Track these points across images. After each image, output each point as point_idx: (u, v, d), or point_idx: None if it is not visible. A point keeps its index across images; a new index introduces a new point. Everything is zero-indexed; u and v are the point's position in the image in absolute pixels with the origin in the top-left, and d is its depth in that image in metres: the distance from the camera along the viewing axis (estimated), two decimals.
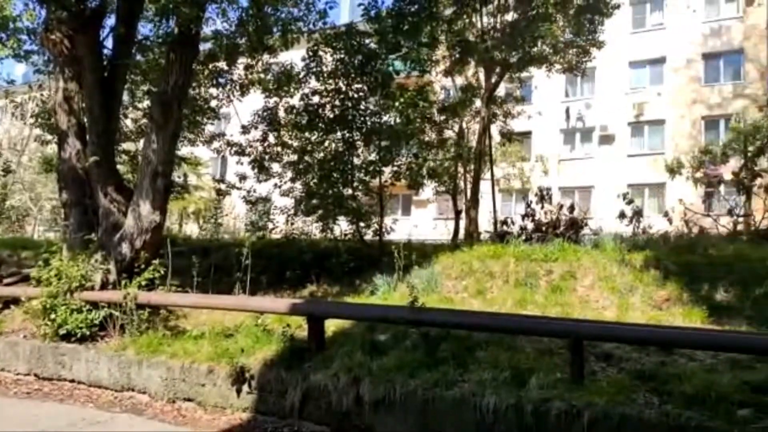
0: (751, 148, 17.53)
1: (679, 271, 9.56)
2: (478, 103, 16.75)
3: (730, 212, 13.54)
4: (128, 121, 17.01)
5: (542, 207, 14.80)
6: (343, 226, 13.09)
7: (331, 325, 8.16)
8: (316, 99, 13.26)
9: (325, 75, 13.07)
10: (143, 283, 9.25)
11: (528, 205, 15.24)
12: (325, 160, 13.03)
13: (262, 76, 14.23)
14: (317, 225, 13.18)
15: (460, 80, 17.45)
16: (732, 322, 7.99)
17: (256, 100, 14.62)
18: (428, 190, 19.22)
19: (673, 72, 26.76)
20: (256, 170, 14.03)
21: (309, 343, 7.46)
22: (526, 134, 27.75)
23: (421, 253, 12.23)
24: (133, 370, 8.21)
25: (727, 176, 15.39)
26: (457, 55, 15.36)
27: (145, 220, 9.92)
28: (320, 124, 13.10)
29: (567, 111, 28.62)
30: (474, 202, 16.61)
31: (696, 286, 9.15)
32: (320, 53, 13.07)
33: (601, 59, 24.29)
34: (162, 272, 9.45)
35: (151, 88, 13.99)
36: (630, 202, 14.24)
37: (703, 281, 9.25)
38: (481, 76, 16.48)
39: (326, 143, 13.38)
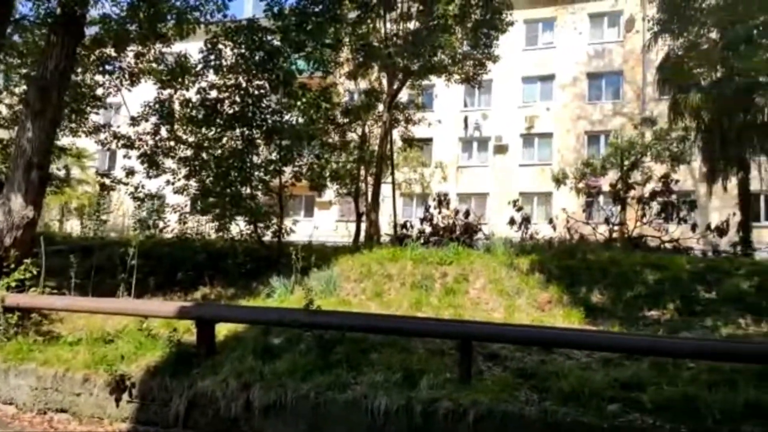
0: (626, 163, 19.19)
1: (560, 275, 10.22)
2: (380, 107, 16.95)
3: (606, 221, 14.68)
4: (2, 107, 15.45)
5: (440, 212, 15.29)
6: (240, 227, 12.68)
7: (223, 329, 7.86)
8: (214, 93, 12.74)
9: (225, 69, 12.61)
10: (12, 284, 8.42)
11: (427, 210, 15.68)
12: (223, 158, 12.55)
13: (154, 65, 13.44)
14: (213, 225, 12.66)
15: (363, 84, 17.58)
16: (606, 323, 8.65)
17: (148, 90, 13.79)
18: (331, 192, 19.19)
19: (561, 89, 28.71)
20: (146, 165, 13.23)
21: (198, 348, 7.12)
22: (427, 141, 28.51)
23: (322, 255, 12.15)
24: None
25: (606, 187, 16.71)
26: (361, 59, 15.46)
27: (17, 216, 9.04)
28: (218, 120, 12.60)
29: (465, 120, 29.76)
30: (375, 205, 16.77)
31: (575, 289, 9.82)
32: (220, 46, 12.60)
33: (497, 73, 25.54)
34: (35, 272, 8.65)
35: (28, 71, 12.79)
36: (519, 209, 15.06)
37: (582, 284, 9.95)
38: (384, 81, 16.71)
39: (224, 140, 12.89)
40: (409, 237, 14.37)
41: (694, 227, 13.70)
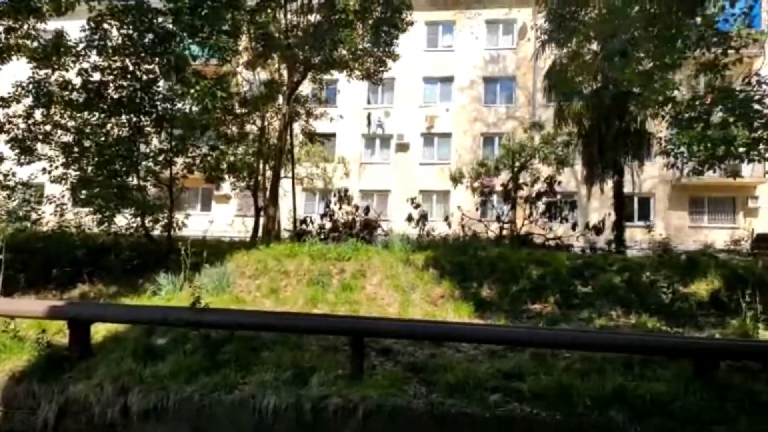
0: (517, 164, 20.22)
1: (453, 271, 10.56)
2: (281, 99, 16.59)
3: (498, 219, 15.39)
4: None
5: (340, 208, 15.28)
6: (127, 220, 11.89)
7: (102, 330, 7.33)
8: (97, 76, 11.84)
9: (111, 51, 11.74)
10: None
11: (327, 206, 15.60)
12: (107, 145, 11.68)
13: (28, 43, 12.21)
14: (95, 217, 11.75)
15: (264, 75, 17.12)
16: (493, 316, 9.05)
17: (22, 69, 12.52)
18: (229, 185, 18.53)
19: (459, 91, 29.70)
20: (17, 151, 12.02)
21: (70, 350, 6.58)
22: (330, 136, 28.36)
23: (216, 250, 11.69)
24: None
25: (499, 187, 17.51)
26: (260, 49, 15.01)
27: None
28: (102, 105, 11.71)
29: (369, 117, 29.95)
30: (274, 199, 16.41)
31: (466, 284, 10.19)
32: (105, 26, 11.72)
33: (399, 71, 25.91)
34: None
35: None
36: (417, 206, 15.39)
37: (473, 279, 10.34)
38: (285, 72, 16.37)
39: (109, 126, 12.02)
40: (309, 233, 14.23)
41: (574, 226, 14.72)
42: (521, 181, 18.10)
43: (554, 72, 17.84)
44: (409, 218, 14.88)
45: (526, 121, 25.85)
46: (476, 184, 18.21)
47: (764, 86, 9.53)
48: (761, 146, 9.45)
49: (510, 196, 16.17)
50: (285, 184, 18.46)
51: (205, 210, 29.42)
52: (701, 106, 9.52)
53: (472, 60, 29.53)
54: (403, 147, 29.65)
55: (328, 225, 14.79)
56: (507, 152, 20.87)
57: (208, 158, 13.50)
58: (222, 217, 26.75)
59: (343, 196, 15.36)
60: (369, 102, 30.36)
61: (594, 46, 16.15)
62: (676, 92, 10.33)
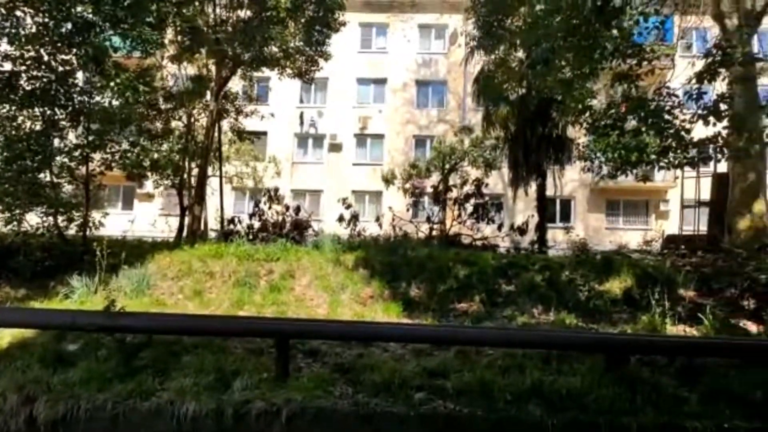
0: (447, 166, 20.65)
1: (383, 271, 10.62)
2: (209, 95, 16.11)
3: (428, 219, 15.64)
4: None
5: (270, 207, 15.02)
6: (39, 219, 11.16)
7: (7, 336, 6.85)
8: (8, 66, 11.06)
9: (23, 39, 10.98)
10: None
11: (257, 205, 15.29)
12: (17, 139, 10.92)
13: None
14: (3, 216, 10.95)
15: (191, 70, 16.57)
16: (421, 316, 9.16)
17: None
18: (153, 183, 17.79)
19: (392, 93, 29.99)
20: None
21: None
22: (262, 134, 27.86)
23: (137, 251, 11.21)
24: None
25: (429, 189, 17.79)
26: (187, 42, 14.50)
27: None
28: (13, 97, 10.94)
29: (301, 116, 29.65)
30: (200, 198, 15.90)
31: (396, 284, 10.27)
32: (18, 13, 10.97)
33: (333, 71, 25.82)
34: None
35: None
36: (348, 206, 15.39)
37: (402, 279, 10.44)
38: (213, 68, 15.91)
39: (20, 120, 11.26)
40: (237, 233, 13.90)
41: (500, 227, 15.17)
42: (451, 183, 18.50)
43: (482, 77, 18.33)
44: (341, 218, 14.85)
45: (457, 124, 26.45)
46: (408, 186, 18.42)
47: (674, 98, 10.19)
48: (671, 154, 10.11)
49: (440, 198, 16.46)
50: (213, 183, 17.95)
51: (126, 209, 28.15)
52: (616, 115, 10.06)
53: (405, 63, 29.90)
54: (336, 147, 29.56)
55: (257, 225, 14.51)
56: (438, 154, 21.27)
57: (129, 155, 12.90)
58: (145, 216, 25.63)
59: (274, 196, 15.12)
60: (302, 101, 30.08)
61: (519, 54, 16.73)
62: (594, 101, 10.87)
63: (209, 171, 16.95)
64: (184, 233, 15.52)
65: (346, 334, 6.58)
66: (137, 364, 6.06)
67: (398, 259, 11.09)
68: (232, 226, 14.94)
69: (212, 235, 16.00)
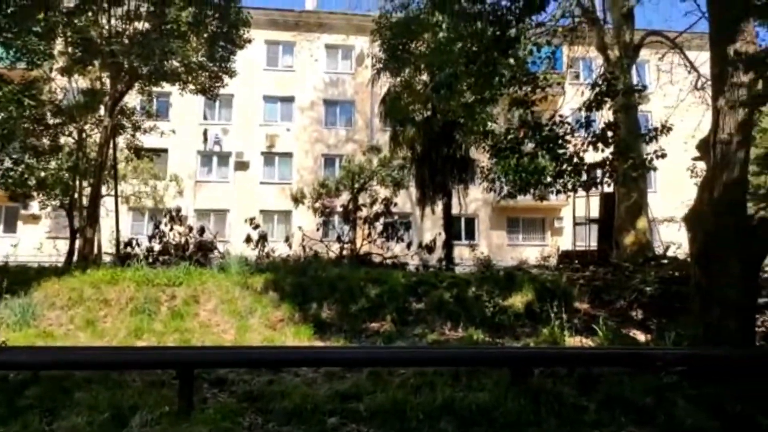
0: (356, 185, 20.78)
1: (293, 292, 10.43)
2: (102, 110, 15.17)
3: (338, 239, 15.60)
4: None
5: (172, 228, 14.30)
6: None
7: None
8: None
9: None
10: None
11: (156, 226, 14.49)
12: None
13: None
14: None
15: (84, 83, 15.55)
16: (333, 337, 9.08)
17: None
18: (39, 203, 16.39)
19: (300, 111, 29.81)
20: None
21: None
22: (162, 151, 26.64)
23: (21, 278, 10.29)
24: None
25: (339, 208, 17.78)
26: (79, 54, 13.62)
27: None
28: None
29: (205, 133, 28.67)
30: (93, 220, 14.83)
31: (307, 306, 10.12)
32: None
33: (238, 88, 25.27)
34: None
35: None
36: (256, 227, 15.01)
37: (313, 301, 10.30)
38: (108, 82, 15.03)
39: None
40: (135, 256, 13.09)
41: (409, 245, 15.43)
42: (361, 202, 18.61)
43: (389, 99, 18.72)
44: (248, 239, 14.44)
45: (365, 143, 26.72)
46: (318, 205, 18.30)
47: (566, 125, 10.93)
48: (565, 177, 10.84)
49: (350, 217, 16.50)
50: (107, 203, 16.86)
51: (9, 232, 25.81)
52: (515, 139, 10.64)
53: (313, 82, 29.91)
54: (242, 165, 28.85)
55: (157, 247, 13.77)
56: (347, 173, 21.36)
57: (12, 173, 11.85)
58: (30, 239, 23.61)
59: (176, 216, 14.42)
60: (205, 117, 29.15)
61: (424, 77, 17.28)
62: (494, 124, 11.44)
63: (103, 190, 15.91)
64: (75, 258, 14.41)
65: (255, 361, 6.35)
66: (22, 403, 5.49)
67: (309, 280, 10.94)
68: (129, 249, 14.07)
69: (107, 259, 14.97)
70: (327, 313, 10.01)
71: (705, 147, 7.98)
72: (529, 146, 10.43)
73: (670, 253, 14.52)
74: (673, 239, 18.69)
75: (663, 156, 10.49)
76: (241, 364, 6.44)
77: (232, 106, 29.07)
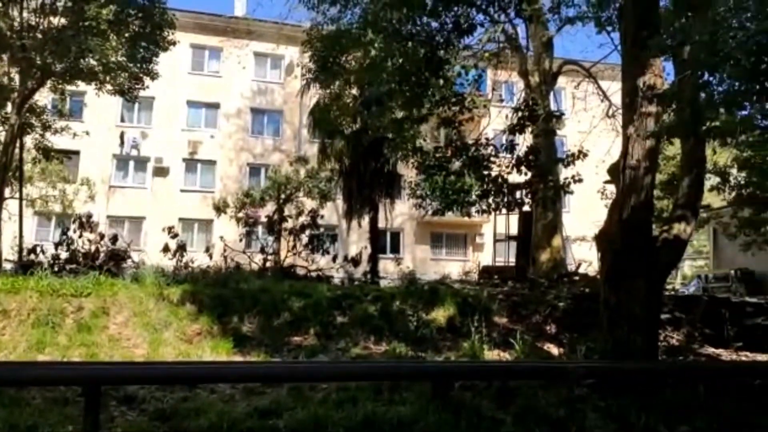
0: (282, 196, 20.45)
1: (213, 305, 10.05)
2: (10, 107, 14.11)
3: (262, 250, 15.25)
4: None
5: (81, 235, 13.45)
6: None
7: None
8: None
9: None
10: None
11: (64, 233, 13.57)
12: None
13: None
14: None
15: None
16: (253, 352, 8.82)
17: None
18: None
19: (226, 119, 29.11)
20: None
21: None
22: (74, 153, 25.12)
23: None
24: None
25: (264, 218, 17.41)
26: None
27: None
28: None
29: (122, 136, 27.32)
30: None
31: (227, 319, 9.78)
32: None
33: (159, 91, 24.36)
34: None
35: None
36: (175, 236, 14.41)
37: (234, 314, 9.97)
38: (17, 77, 14.00)
39: None
40: (40, 264, 12.18)
41: (335, 258, 15.37)
42: (286, 213, 18.32)
43: (318, 110, 18.66)
44: (166, 248, 13.83)
45: (293, 154, 26.42)
46: (241, 215, 17.81)
47: (491, 147, 11.34)
48: (490, 197, 11.24)
49: (275, 228, 16.20)
50: (11, 206, 15.66)
51: None
52: (443, 157, 10.92)
53: (240, 89, 29.34)
54: (161, 171, 27.72)
55: (64, 255, 12.89)
56: (273, 184, 20.98)
57: None
58: None
59: (86, 222, 13.58)
60: (123, 120, 27.86)
61: (354, 91, 17.37)
62: (423, 142, 11.69)
63: (7, 192, 14.77)
64: None
65: (169, 377, 6.05)
66: None
67: (229, 292, 10.60)
68: (33, 257, 13.11)
69: (8, 266, 13.85)
70: (248, 327, 9.73)
71: (615, 171, 8.49)
72: (456, 165, 10.72)
73: (581, 271, 15.33)
74: (585, 257, 19.81)
75: (580, 181, 11.10)
76: (152, 381, 6.11)
77: (152, 110, 27.96)
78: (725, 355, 9.84)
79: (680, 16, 7.77)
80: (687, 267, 27.40)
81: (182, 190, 27.87)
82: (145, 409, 6.02)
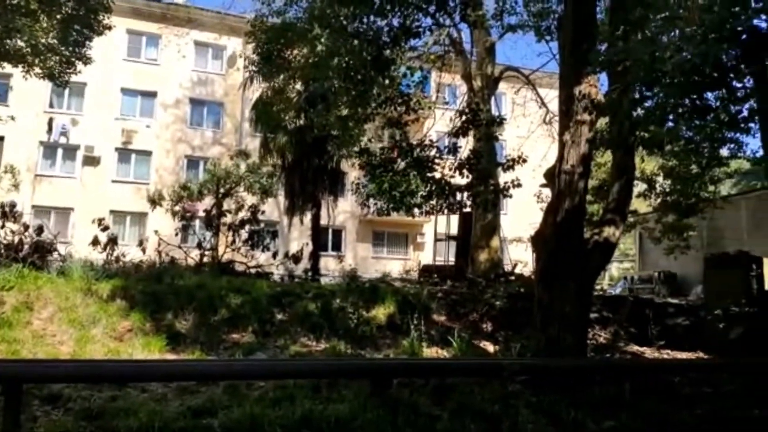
0: (221, 190, 19.94)
1: (145, 301, 9.71)
2: None
3: (199, 245, 14.84)
4: None
5: (3, 226, 12.69)
6: None
7: None
8: None
9: None
10: None
11: None
12: None
13: None
14: None
15: None
16: (188, 350, 8.58)
17: None
18: None
19: (163, 108, 28.00)
20: None
21: None
22: None
23: None
24: None
25: (201, 213, 16.93)
26: None
27: None
28: None
29: (50, 123, 25.81)
30: None
31: (160, 316, 9.48)
32: None
33: (92, 77, 23.24)
34: None
35: None
36: (106, 228, 13.81)
37: (167, 310, 9.67)
38: None
39: None
40: None
41: (275, 254, 15.15)
42: (225, 207, 17.88)
43: (261, 104, 18.33)
44: (95, 241, 13.23)
45: (233, 148, 25.79)
46: (177, 208, 17.24)
47: (434, 148, 11.48)
48: (434, 199, 11.38)
49: (213, 223, 15.81)
50: None
51: None
52: (389, 158, 10.97)
53: (179, 78, 28.35)
54: (92, 160, 26.43)
55: None
56: (212, 177, 20.35)
57: None
58: None
59: (9, 212, 12.80)
60: (52, 105, 26.35)
61: (299, 86, 17.18)
62: (369, 142, 11.70)
63: None
64: None
65: (96, 375, 5.79)
66: None
67: (164, 288, 10.28)
68: None
69: None
70: (182, 324, 9.46)
71: (551, 176, 8.81)
72: (401, 165, 10.80)
73: (517, 271, 15.81)
74: (521, 258, 20.45)
75: (519, 186, 11.44)
76: (79, 379, 5.84)
77: (84, 96, 26.59)
78: (649, 353, 10.40)
79: (617, 29, 8.15)
80: (614, 268, 28.73)
81: (114, 181, 26.67)
82: (71, 408, 5.75)
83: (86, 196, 25.60)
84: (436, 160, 11.07)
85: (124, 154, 27.21)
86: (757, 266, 11.08)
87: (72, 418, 5.51)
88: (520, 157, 11.53)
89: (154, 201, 20.53)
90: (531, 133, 20.27)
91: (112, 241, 13.38)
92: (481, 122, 11.57)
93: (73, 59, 14.52)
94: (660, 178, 15.10)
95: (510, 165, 11.47)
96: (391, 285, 12.45)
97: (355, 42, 9.43)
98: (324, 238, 24.33)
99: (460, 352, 8.90)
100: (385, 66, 9.20)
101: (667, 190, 14.54)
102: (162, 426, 5.26)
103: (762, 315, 10.26)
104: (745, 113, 7.17)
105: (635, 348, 10.65)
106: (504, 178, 12.28)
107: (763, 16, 5.79)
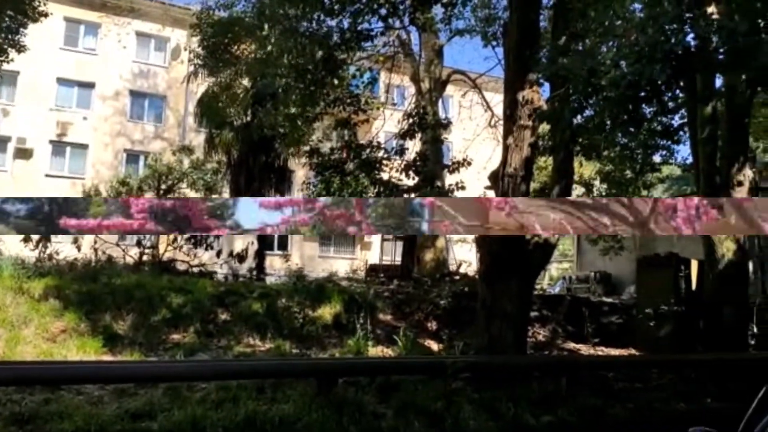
0: (163, 186, 19.36)
1: (80, 301, 9.33)
2: None
3: (138, 243, 14.35)
4: None
5: None
6: None
7: None
8: None
9: None
10: None
11: None
12: None
13: None
14: None
15: None
16: (126, 351, 8.30)
17: None
18: None
19: (101, 100, 26.85)
20: None
21: None
22: None
23: None
24: None
25: None
26: None
27: None
28: None
29: None
30: None
31: (96, 316, 9.12)
32: None
33: (26, 65, 22.05)
34: None
35: None
36: None
37: (104, 311, 9.32)
38: None
39: None
40: None
41: (219, 253, 14.85)
42: None
43: (206, 99, 17.92)
44: (27, 238, 12.57)
45: (176, 143, 25.10)
46: None
47: (382, 150, 11.55)
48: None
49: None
50: None
51: None
52: (339, 158, 10.96)
53: (119, 70, 27.29)
54: (24, 153, 25.10)
55: None
56: (153, 173, 19.76)
57: None
58: None
59: None
60: None
61: (245, 82, 16.89)
62: (318, 142, 11.65)
63: None
64: None
65: (27, 378, 5.55)
66: None
67: (100, 288, 9.91)
68: None
69: None
70: (120, 325, 9.14)
71: (495, 178, 9.05)
72: (351, 166, 10.81)
73: (462, 270, 16.12)
74: (466, 258, 20.84)
75: (463, 188, 11.69)
76: (8, 382, 5.56)
77: (16, 85, 25.20)
78: (584, 350, 10.85)
79: (558, 39, 8.46)
80: (554, 269, 29.72)
81: (48, 175, 25.41)
82: (0, 413, 5.47)
83: (18, 190, 24.26)
84: (384, 162, 11.15)
85: (58, 146, 25.97)
86: (685, 267, 11.69)
87: (1, 423, 5.25)
88: (465, 160, 11.77)
89: (91, 196, 19.74)
90: (476, 136, 20.69)
91: (45, 238, 12.75)
92: (428, 125, 11.73)
93: (5, 47, 13.74)
94: (597, 182, 15.77)
95: (455, 167, 11.69)
96: (338, 284, 12.44)
97: (306, 42, 9.37)
98: (270, 237, 24.00)
99: (405, 350, 9.00)
100: (336, 66, 9.18)
101: (604, 193, 15.18)
102: (98, 430, 5.11)
103: (689, 314, 10.86)
104: (676, 124, 7.63)
105: (572, 345, 11.08)
106: (450, 179, 12.49)
107: (692, 35, 6.16)
